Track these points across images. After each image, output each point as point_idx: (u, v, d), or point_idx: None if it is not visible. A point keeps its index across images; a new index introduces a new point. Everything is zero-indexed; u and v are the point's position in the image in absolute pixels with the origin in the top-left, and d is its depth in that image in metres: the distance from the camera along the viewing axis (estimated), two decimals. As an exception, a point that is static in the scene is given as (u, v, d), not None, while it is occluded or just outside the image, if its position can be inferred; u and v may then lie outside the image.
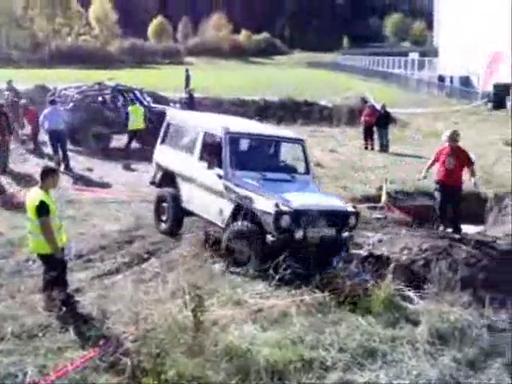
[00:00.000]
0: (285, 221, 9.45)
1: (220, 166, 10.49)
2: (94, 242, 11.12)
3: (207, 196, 10.77)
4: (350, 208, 10.31)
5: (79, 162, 18.60)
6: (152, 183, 12.62)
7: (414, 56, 64.31)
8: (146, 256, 10.59)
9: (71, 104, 20.69)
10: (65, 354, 6.75)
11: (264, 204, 9.66)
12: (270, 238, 9.51)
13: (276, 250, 9.13)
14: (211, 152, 10.82)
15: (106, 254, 10.61)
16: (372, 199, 14.94)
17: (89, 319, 7.69)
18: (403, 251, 10.42)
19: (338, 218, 10.00)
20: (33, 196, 7.91)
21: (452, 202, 11.76)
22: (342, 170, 18.44)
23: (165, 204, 11.68)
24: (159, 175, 12.25)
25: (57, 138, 17.57)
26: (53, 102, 18.50)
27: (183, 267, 8.76)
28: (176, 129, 12.16)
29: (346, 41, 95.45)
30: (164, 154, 12.14)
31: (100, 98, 21.92)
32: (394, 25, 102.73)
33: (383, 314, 8.09)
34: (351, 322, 7.75)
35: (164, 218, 11.71)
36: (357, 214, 10.27)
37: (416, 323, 7.90)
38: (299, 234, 9.51)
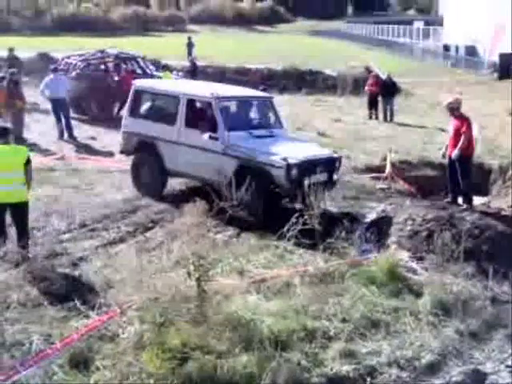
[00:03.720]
0: (294, 172, 10.31)
1: (210, 130, 11.07)
2: (98, 211, 11.13)
3: (201, 156, 11.19)
4: (334, 154, 11.57)
5: (83, 131, 18.53)
6: (122, 152, 12.73)
7: (419, 25, 63.55)
8: (149, 225, 10.61)
9: (74, 72, 20.57)
10: (70, 323, 6.80)
11: (271, 159, 10.43)
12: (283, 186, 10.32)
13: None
14: (195, 117, 11.47)
15: (110, 222, 10.62)
16: (376, 169, 14.89)
17: (93, 288, 7.74)
18: (407, 222, 10.41)
19: (329, 164, 11.21)
20: (16, 150, 8.61)
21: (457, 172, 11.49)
22: (346, 139, 18.34)
23: (146, 167, 11.97)
24: (133, 143, 12.28)
25: (59, 106, 17.55)
26: (55, 70, 18.38)
27: (187, 236, 8.76)
28: (148, 98, 12.45)
29: (350, 8, 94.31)
30: (137, 124, 12.21)
31: (103, 66, 21.80)
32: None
33: (386, 284, 8.11)
34: (354, 293, 7.78)
35: (147, 180, 11.97)
36: (340, 159, 11.60)
37: (419, 294, 7.93)
38: (306, 182, 10.22)
